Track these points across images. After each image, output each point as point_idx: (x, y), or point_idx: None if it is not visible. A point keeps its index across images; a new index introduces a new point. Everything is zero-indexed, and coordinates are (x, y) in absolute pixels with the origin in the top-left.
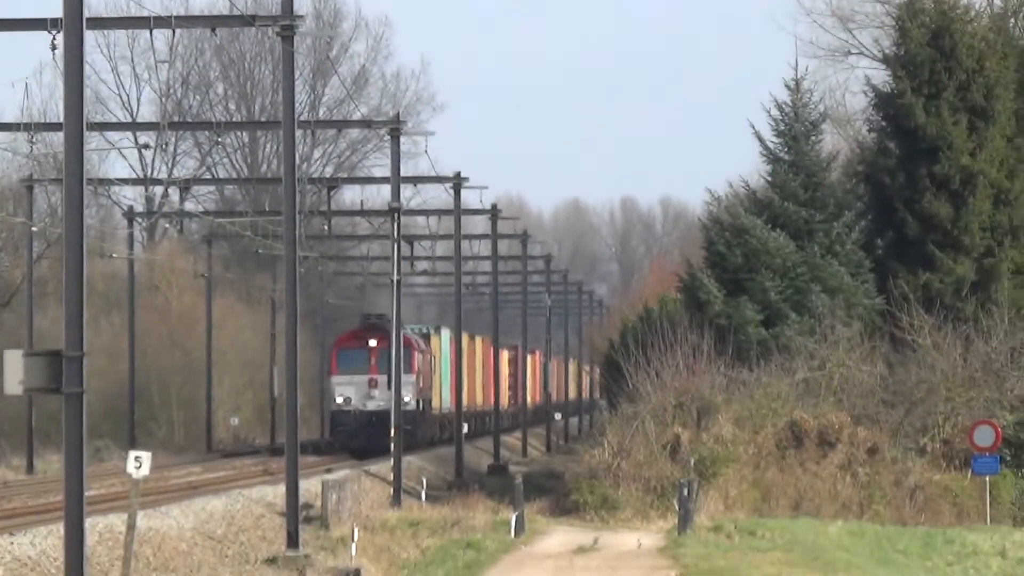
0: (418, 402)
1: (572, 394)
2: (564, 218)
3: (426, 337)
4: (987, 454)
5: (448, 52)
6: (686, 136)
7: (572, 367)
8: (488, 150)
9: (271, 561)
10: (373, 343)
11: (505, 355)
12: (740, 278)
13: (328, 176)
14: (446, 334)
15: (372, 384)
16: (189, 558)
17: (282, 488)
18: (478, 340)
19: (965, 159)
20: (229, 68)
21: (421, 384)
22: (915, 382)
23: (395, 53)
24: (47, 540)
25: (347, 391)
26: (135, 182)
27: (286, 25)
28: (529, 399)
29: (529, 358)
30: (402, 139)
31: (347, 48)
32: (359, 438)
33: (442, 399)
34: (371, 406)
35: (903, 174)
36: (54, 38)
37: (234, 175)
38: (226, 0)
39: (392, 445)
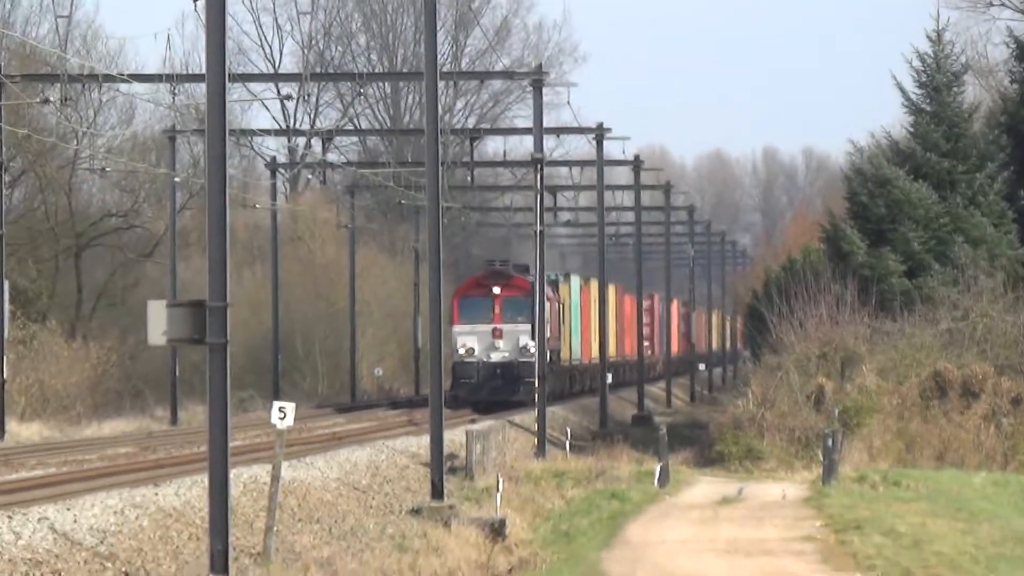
0: (546, 353)
1: (715, 344)
2: (707, 168)
3: (554, 284)
4: None
5: (590, 2)
6: (828, 86)
7: (715, 317)
8: (630, 101)
9: (416, 512)
10: (497, 291)
11: (641, 304)
12: (883, 229)
13: (471, 127)
14: (575, 281)
15: (496, 334)
16: (334, 509)
17: (426, 439)
18: (610, 288)
19: None
20: (371, 19)
21: (548, 334)
22: None
23: (537, 4)
24: (191, 491)
25: (469, 341)
26: (277, 133)
27: None
28: (673, 349)
29: (672, 308)
30: (544, 90)
31: None
32: (482, 391)
33: (571, 350)
34: (495, 357)
35: None
36: None
37: (376, 126)
38: None
39: (536, 396)
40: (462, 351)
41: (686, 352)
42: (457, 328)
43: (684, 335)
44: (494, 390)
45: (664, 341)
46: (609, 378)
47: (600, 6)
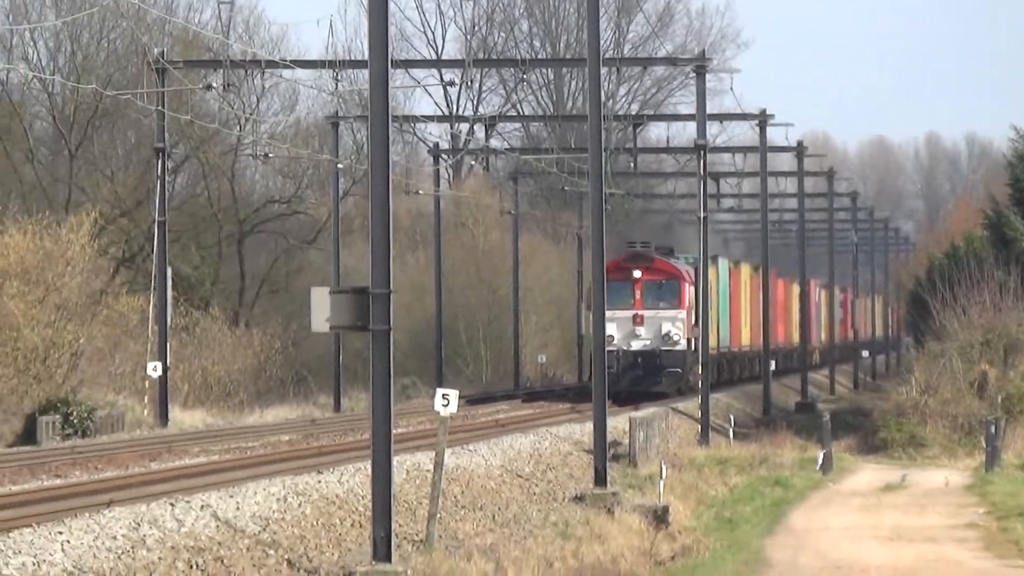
0: (689, 341)
1: (878, 332)
2: (869, 155)
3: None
4: None
5: None
6: (991, 72)
7: (878, 304)
8: (793, 87)
9: (579, 499)
10: (638, 274)
11: (795, 290)
12: None
13: (633, 113)
14: (724, 265)
15: (637, 321)
16: (497, 496)
17: (589, 426)
18: (746, 270)
19: None
20: (534, 5)
21: (694, 320)
22: None
23: None
24: (354, 478)
25: (609, 328)
26: (440, 119)
27: None
28: (835, 336)
29: (835, 295)
30: (707, 76)
31: None
32: (621, 382)
33: (719, 336)
34: (636, 346)
35: None
36: None
37: (539, 112)
38: None
39: (700, 383)
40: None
41: (849, 339)
42: None
43: (843, 322)
44: (634, 380)
45: (826, 327)
46: (773, 364)
47: None
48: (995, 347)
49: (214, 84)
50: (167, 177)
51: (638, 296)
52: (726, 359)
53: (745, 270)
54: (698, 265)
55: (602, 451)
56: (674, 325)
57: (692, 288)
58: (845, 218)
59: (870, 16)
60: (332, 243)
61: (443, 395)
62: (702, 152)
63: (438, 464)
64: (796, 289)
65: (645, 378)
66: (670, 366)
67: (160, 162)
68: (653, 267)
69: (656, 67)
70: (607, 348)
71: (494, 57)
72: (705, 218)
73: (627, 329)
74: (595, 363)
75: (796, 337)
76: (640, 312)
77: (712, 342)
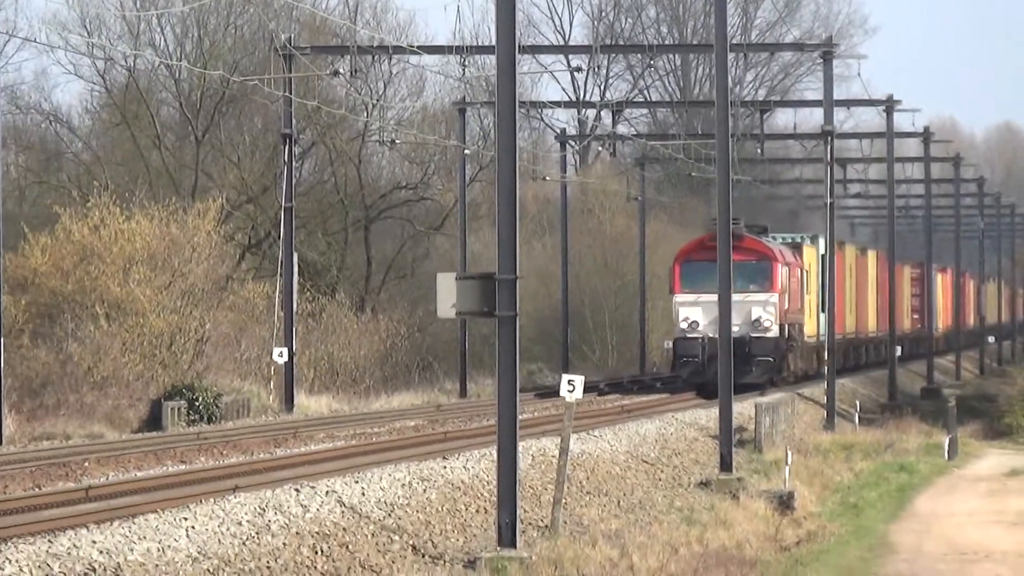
0: (783, 327)
1: (1005, 317)
2: (996, 140)
3: (796, 248)
4: None
5: None
6: None
7: (1005, 290)
8: (920, 73)
9: (704, 484)
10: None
11: (931, 276)
12: None
13: (760, 99)
14: (822, 244)
15: None
16: (622, 481)
17: (715, 412)
18: (870, 255)
19: None
20: None
21: (787, 305)
22: None
23: None
24: (480, 464)
25: (693, 314)
26: (567, 105)
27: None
28: (961, 322)
29: (961, 280)
30: (834, 62)
31: None
32: (707, 372)
33: (818, 324)
34: None
35: None
36: None
37: (666, 98)
38: None
39: (826, 369)
40: (684, 325)
41: (974, 325)
42: (679, 298)
43: (966, 308)
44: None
45: (952, 312)
46: (898, 351)
47: None
48: None
49: (341, 70)
50: (294, 163)
51: (750, 268)
52: (852, 345)
53: (850, 251)
54: (770, 242)
55: (728, 437)
56: (765, 310)
57: (786, 270)
58: (972, 204)
59: (999, 1)
60: (459, 229)
61: (569, 381)
62: (829, 138)
63: (563, 450)
64: (922, 274)
65: (736, 369)
66: (761, 354)
67: (287, 148)
68: (742, 246)
69: (783, 53)
70: (690, 335)
71: (621, 43)
72: (832, 204)
73: (714, 314)
74: (720, 351)
75: (920, 323)
76: (753, 295)
77: (810, 329)
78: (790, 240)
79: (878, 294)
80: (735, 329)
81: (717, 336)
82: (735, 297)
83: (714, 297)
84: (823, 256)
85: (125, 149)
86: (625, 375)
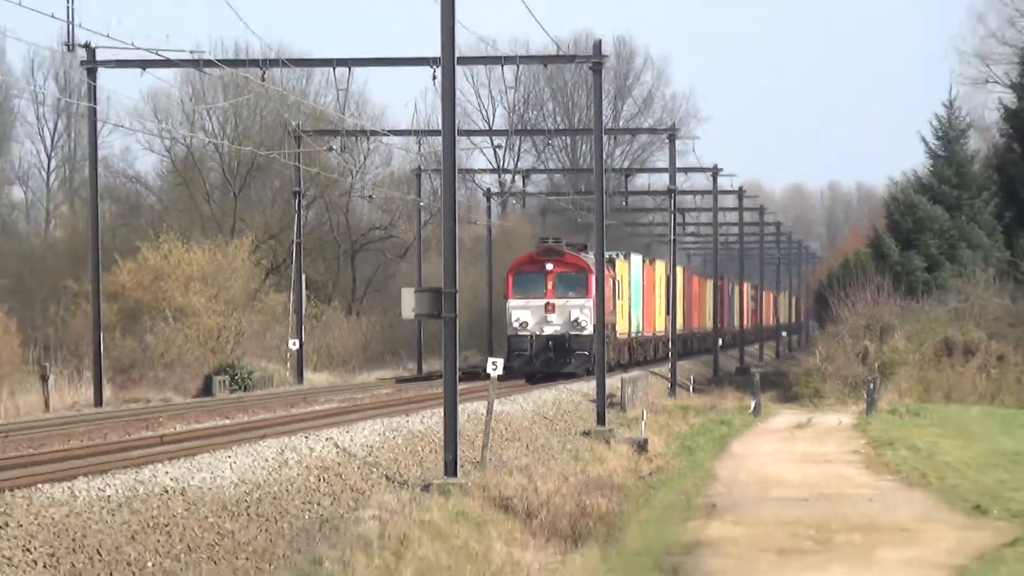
0: (595, 326)
1: (792, 319)
2: (789, 196)
3: (611, 262)
4: None
5: (711, 79)
6: (876, 137)
7: (793, 300)
8: (736, 147)
9: (586, 433)
10: (550, 267)
11: (740, 289)
12: (910, 238)
13: (625, 167)
14: (636, 260)
15: (548, 308)
16: (529, 432)
17: (594, 384)
18: (679, 271)
19: None
20: (557, 92)
21: (596, 308)
22: None
23: (673, 80)
24: (432, 419)
25: (523, 316)
26: (491, 171)
27: (596, 62)
28: (764, 322)
29: (765, 292)
30: (677, 142)
31: (639, 77)
32: (535, 363)
33: (630, 323)
34: (547, 331)
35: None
36: (434, 71)
37: (560, 166)
38: (554, 44)
39: (670, 354)
40: (516, 324)
41: (773, 323)
42: (511, 303)
43: (764, 311)
44: (546, 362)
45: (748, 314)
46: (689, 346)
47: (717, 83)
48: (874, 329)
49: (334, 147)
50: (301, 212)
51: (550, 286)
52: (638, 342)
53: (660, 266)
54: (588, 257)
55: (602, 401)
56: (582, 312)
57: (582, 286)
58: (771, 240)
59: (792, 96)
60: (416, 258)
61: (493, 362)
62: (672, 195)
63: (489, 410)
64: (710, 285)
65: (556, 360)
66: (579, 349)
67: (296, 201)
68: (564, 260)
69: (641, 135)
70: (521, 333)
71: (528, 128)
72: (674, 240)
73: (540, 316)
74: (597, 341)
75: (721, 323)
76: (552, 301)
77: (622, 328)
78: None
79: (685, 301)
80: (558, 328)
81: (542, 333)
82: (558, 302)
83: (540, 302)
84: (668, 276)
85: (184, 201)
86: None
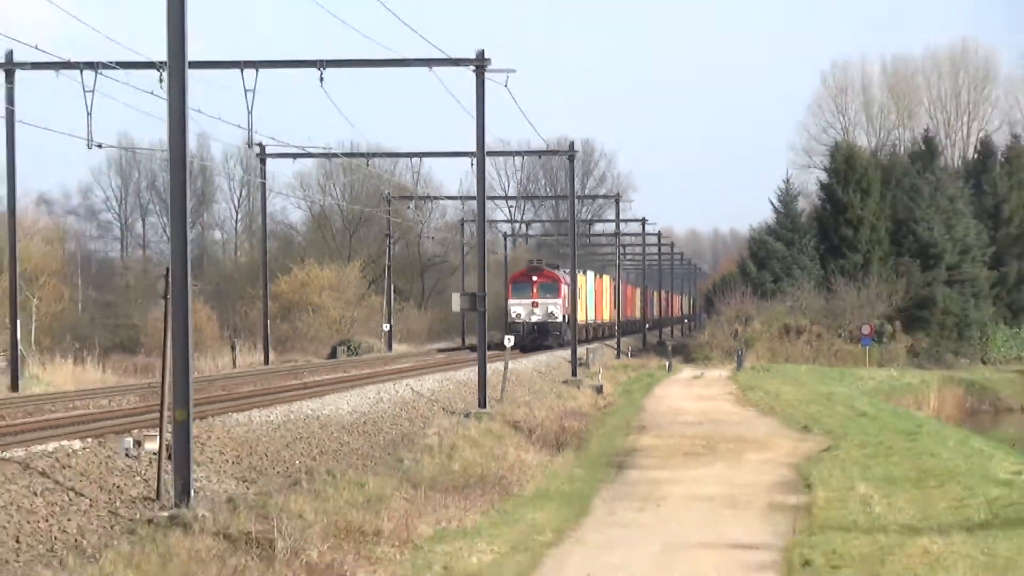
0: (565, 317)
1: (691, 312)
2: (689, 236)
3: (573, 276)
4: (866, 337)
5: (642, 159)
6: (743, 198)
7: (688, 300)
8: (658, 203)
9: (565, 382)
10: (535, 278)
11: (648, 293)
12: (763, 262)
13: (588, 219)
14: (591, 275)
15: (534, 305)
16: (529, 380)
17: (568, 352)
18: (614, 281)
19: (857, 214)
20: (547, 172)
21: (565, 305)
22: (839, 307)
23: (618, 164)
24: (471, 373)
25: (518, 310)
26: (507, 221)
27: (571, 155)
28: (673, 313)
29: (672, 295)
30: (621, 203)
31: (597, 163)
32: (526, 340)
33: (586, 314)
34: (533, 319)
35: (832, 220)
36: (472, 161)
37: (549, 218)
38: (544, 143)
39: (616, 333)
40: (514, 315)
41: (678, 315)
42: (510, 301)
43: (672, 307)
44: (533, 339)
45: (668, 309)
46: (624, 330)
47: (646, 160)
48: (741, 318)
49: (410, 206)
50: (391, 246)
51: (534, 291)
52: (592, 327)
53: (607, 279)
54: (558, 271)
55: (574, 361)
56: (555, 307)
57: (567, 287)
58: (678, 263)
59: (694, 173)
60: (460, 274)
61: (507, 338)
62: (618, 236)
63: (506, 366)
64: (639, 291)
65: (539, 337)
66: (553, 331)
67: (388, 240)
68: (543, 274)
69: (599, 199)
70: (517, 321)
71: (529, 194)
72: (619, 264)
73: (528, 310)
74: (570, 327)
75: (645, 314)
76: (536, 300)
77: (581, 318)
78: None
79: (621, 300)
80: (539, 317)
81: (530, 320)
82: (539, 300)
83: (529, 300)
84: (614, 285)
85: (319, 240)
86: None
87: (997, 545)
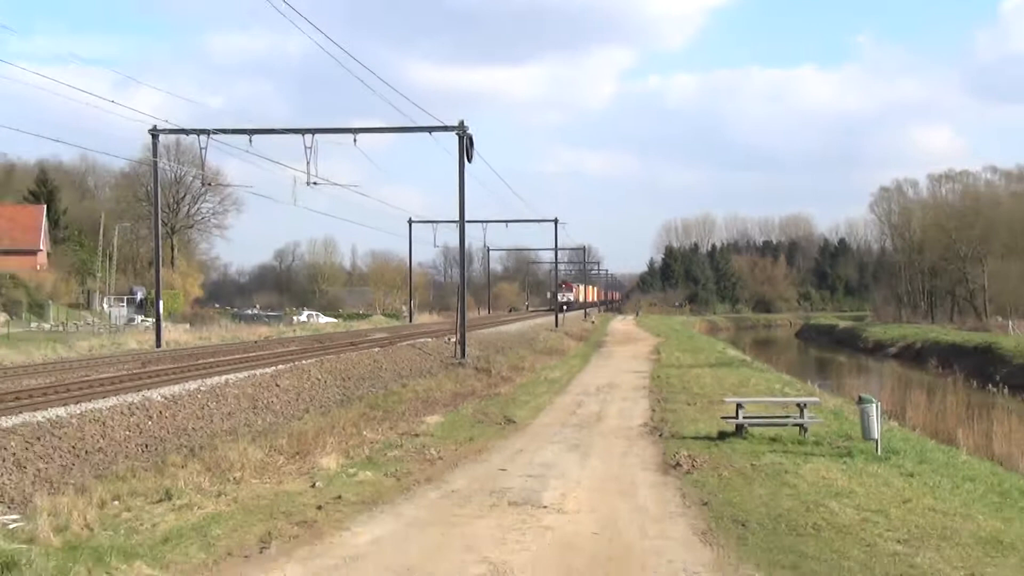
0: (575, 299)
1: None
2: (624, 262)
3: (577, 284)
4: (679, 304)
5: (596, 227)
6: (641, 246)
7: (616, 294)
8: (594, 232)
9: (583, 319)
10: (563, 285)
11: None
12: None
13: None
14: (578, 284)
15: (566, 297)
16: (573, 320)
17: (551, 318)
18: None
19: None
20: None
21: (577, 298)
22: (670, 297)
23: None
24: (537, 322)
25: (560, 296)
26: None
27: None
28: (610, 299)
29: (603, 291)
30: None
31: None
32: (564, 307)
33: (580, 299)
34: (564, 299)
35: (667, 270)
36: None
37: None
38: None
39: (598, 308)
40: (560, 298)
41: (611, 300)
42: (559, 294)
43: (599, 296)
44: (566, 305)
45: (596, 297)
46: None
47: (598, 222)
48: (637, 300)
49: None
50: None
51: (566, 290)
52: (586, 304)
53: (588, 287)
54: (561, 284)
55: (557, 320)
56: (570, 298)
57: (574, 290)
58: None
59: (617, 225)
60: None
61: (562, 305)
62: (584, 264)
63: (561, 314)
64: (584, 287)
65: (568, 306)
66: (569, 309)
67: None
68: (565, 285)
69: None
70: (562, 300)
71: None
72: (586, 278)
73: (564, 296)
74: (556, 305)
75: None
76: (567, 294)
77: (581, 300)
78: (576, 284)
79: (586, 293)
80: (566, 299)
81: (563, 300)
82: (567, 293)
83: (568, 295)
84: (584, 288)
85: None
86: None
87: (719, 371)
